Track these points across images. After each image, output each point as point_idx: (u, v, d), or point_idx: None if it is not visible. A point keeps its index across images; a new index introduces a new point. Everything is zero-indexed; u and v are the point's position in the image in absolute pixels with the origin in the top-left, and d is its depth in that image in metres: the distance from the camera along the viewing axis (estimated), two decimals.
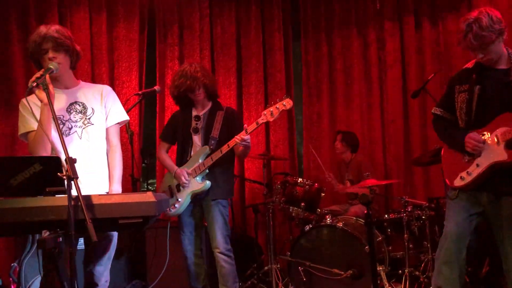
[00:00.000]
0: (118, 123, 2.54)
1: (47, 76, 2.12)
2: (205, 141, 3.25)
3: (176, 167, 3.30)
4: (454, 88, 2.55)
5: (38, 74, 2.10)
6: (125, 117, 2.57)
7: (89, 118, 2.41)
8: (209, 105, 3.35)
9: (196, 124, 3.30)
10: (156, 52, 4.87)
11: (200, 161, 3.20)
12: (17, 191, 1.76)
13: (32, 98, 2.20)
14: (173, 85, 3.30)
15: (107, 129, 2.49)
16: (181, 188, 3.24)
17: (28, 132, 2.32)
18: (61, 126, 2.33)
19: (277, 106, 3.03)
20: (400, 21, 5.03)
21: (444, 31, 4.94)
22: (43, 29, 2.29)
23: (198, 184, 3.18)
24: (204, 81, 3.24)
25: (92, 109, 2.43)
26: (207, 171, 3.19)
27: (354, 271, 3.33)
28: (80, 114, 2.39)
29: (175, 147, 3.47)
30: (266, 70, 5.01)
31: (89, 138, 2.39)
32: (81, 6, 4.63)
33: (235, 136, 3.05)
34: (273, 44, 5.01)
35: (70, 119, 2.37)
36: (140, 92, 3.53)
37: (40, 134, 2.21)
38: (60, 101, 2.37)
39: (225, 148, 3.10)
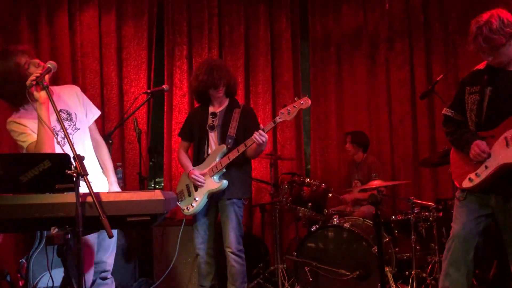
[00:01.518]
0: (95, 119, 2.58)
1: (46, 76, 2.10)
2: (222, 139, 3.23)
3: (190, 167, 3.29)
4: (465, 89, 2.52)
5: (37, 73, 2.07)
6: (98, 112, 2.61)
7: (75, 124, 2.43)
8: (226, 102, 3.33)
9: (213, 121, 3.28)
10: (165, 51, 4.88)
11: (217, 160, 3.17)
12: (26, 188, 1.77)
13: (14, 118, 2.27)
14: (196, 79, 3.26)
15: (89, 128, 2.52)
16: (198, 187, 3.23)
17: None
18: (56, 136, 2.33)
19: (295, 105, 2.97)
20: (409, 21, 5.00)
21: (453, 32, 4.90)
22: (9, 50, 2.26)
23: (215, 183, 3.16)
24: (228, 79, 3.24)
25: (75, 114, 2.44)
26: (224, 170, 3.17)
27: (361, 272, 3.32)
28: (67, 122, 2.40)
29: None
30: (274, 70, 5.00)
31: (81, 142, 2.41)
32: (91, 5, 4.67)
33: (255, 133, 2.97)
34: (281, 43, 5.00)
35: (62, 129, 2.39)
36: (148, 91, 3.53)
37: (43, 133, 2.18)
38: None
39: (242, 147, 3.07)
